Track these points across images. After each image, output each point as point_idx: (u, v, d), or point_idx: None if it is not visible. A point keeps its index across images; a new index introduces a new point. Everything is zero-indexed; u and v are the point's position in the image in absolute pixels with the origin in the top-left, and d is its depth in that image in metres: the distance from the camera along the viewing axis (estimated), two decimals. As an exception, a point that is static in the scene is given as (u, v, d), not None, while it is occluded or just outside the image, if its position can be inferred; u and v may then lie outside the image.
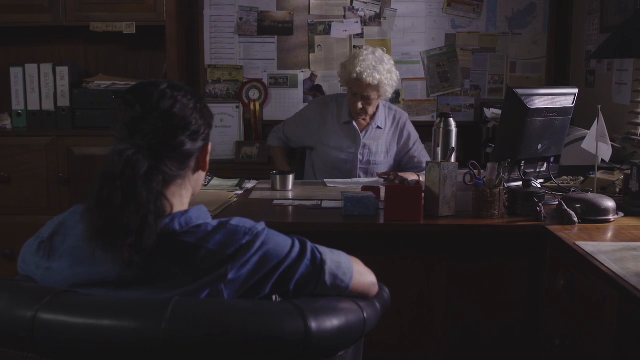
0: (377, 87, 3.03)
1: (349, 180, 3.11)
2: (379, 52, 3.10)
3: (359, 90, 3.07)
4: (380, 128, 3.23)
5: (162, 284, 1.28)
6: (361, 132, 3.21)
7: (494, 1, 4.08)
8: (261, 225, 1.37)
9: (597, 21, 3.68)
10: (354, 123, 3.20)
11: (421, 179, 2.90)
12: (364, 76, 3.00)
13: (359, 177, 3.22)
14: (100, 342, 1.19)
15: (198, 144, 1.39)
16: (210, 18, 4.09)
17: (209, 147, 1.44)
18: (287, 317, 1.24)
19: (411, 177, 2.95)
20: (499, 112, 3.50)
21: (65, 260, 1.33)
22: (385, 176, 2.92)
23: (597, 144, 2.54)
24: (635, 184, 2.45)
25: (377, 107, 3.22)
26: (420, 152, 3.29)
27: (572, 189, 2.67)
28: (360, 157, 3.22)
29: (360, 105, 3.10)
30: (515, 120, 2.54)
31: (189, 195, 1.43)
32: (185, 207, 1.40)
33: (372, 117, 3.22)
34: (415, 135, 3.31)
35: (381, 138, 3.24)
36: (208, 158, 1.44)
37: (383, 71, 3.01)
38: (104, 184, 1.25)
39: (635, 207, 2.42)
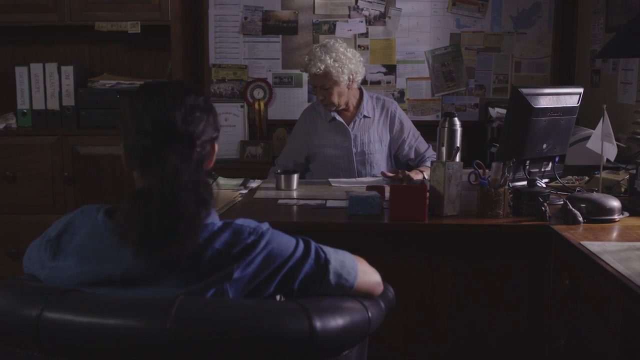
0: (325, 76, 3.11)
1: (354, 179, 3.11)
2: (331, 42, 3.18)
3: (313, 82, 3.21)
4: (369, 117, 3.27)
5: (168, 282, 1.28)
6: (348, 124, 3.26)
7: (499, 0, 4.07)
8: (265, 225, 1.38)
9: (603, 20, 3.67)
10: (339, 117, 3.25)
11: (426, 176, 2.90)
12: (309, 68, 3.13)
13: (357, 169, 3.25)
14: (105, 341, 1.19)
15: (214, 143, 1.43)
16: (215, 17, 4.09)
17: (216, 147, 1.45)
18: (292, 316, 1.24)
19: (416, 176, 2.95)
20: (503, 111, 3.49)
21: (72, 258, 1.33)
22: (393, 175, 2.92)
23: (602, 143, 2.53)
24: (641, 183, 2.44)
25: (361, 97, 3.28)
26: (417, 139, 3.34)
27: (577, 189, 2.66)
28: (354, 149, 3.25)
29: (321, 96, 3.19)
30: (520, 119, 2.54)
31: None
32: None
33: (357, 107, 3.27)
34: (408, 123, 3.35)
35: (371, 127, 3.28)
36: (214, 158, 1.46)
37: (328, 60, 3.08)
38: (178, 188, 1.26)
39: (640, 207, 2.41)
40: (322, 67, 3.08)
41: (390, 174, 2.93)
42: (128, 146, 1.36)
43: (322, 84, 3.14)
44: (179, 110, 1.33)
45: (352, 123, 3.26)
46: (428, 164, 3.11)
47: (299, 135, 3.38)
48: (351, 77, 3.15)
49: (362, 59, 3.23)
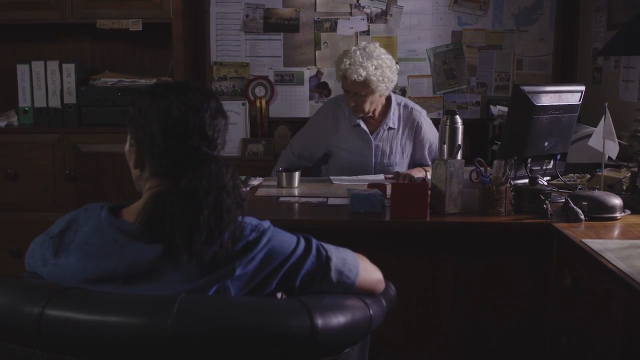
0: (364, 84, 2.96)
1: (355, 177, 3.08)
2: (370, 47, 3.03)
3: (348, 88, 3.04)
4: (393, 129, 3.15)
5: (170, 279, 1.28)
6: (372, 134, 3.14)
7: (501, -2, 4.07)
8: (267, 223, 1.39)
9: (604, 18, 3.67)
10: (363, 125, 3.13)
11: (428, 175, 2.89)
12: (349, 73, 2.96)
13: None
14: (107, 338, 1.20)
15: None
16: (217, 15, 4.09)
17: None
18: (294, 314, 1.24)
19: (417, 174, 2.94)
20: (505, 109, 3.49)
21: (75, 255, 1.33)
22: (393, 177, 2.91)
23: (604, 141, 2.53)
24: (642, 181, 2.44)
25: (389, 106, 3.15)
26: (434, 152, 3.17)
27: (579, 187, 2.66)
28: (374, 159, 3.16)
29: (353, 102, 3.04)
30: (522, 117, 2.54)
31: None
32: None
33: (383, 115, 3.15)
34: (432, 135, 3.19)
35: (395, 139, 3.16)
36: None
37: (370, 67, 2.94)
38: (220, 195, 1.28)
39: (642, 205, 2.41)
40: (364, 74, 2.93)
41: (391, 177, 2.91)
42: (147, 145, 1.35)
43: (358, 90, 2.99)
44: (206, 113, 1.34)
45: (376, 133, 3.13)
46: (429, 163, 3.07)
47: (318, 128, 3.23)
48: (388, 85, 3.02)
49: (397, 65, 3.09)
